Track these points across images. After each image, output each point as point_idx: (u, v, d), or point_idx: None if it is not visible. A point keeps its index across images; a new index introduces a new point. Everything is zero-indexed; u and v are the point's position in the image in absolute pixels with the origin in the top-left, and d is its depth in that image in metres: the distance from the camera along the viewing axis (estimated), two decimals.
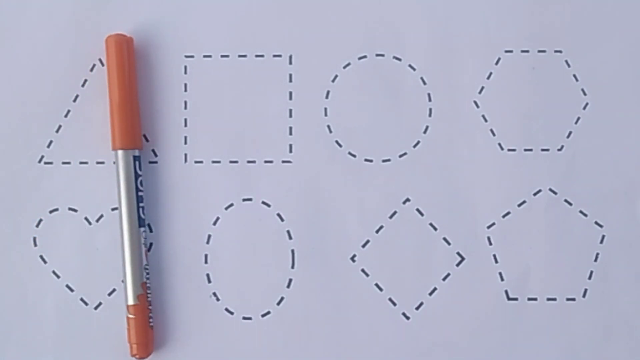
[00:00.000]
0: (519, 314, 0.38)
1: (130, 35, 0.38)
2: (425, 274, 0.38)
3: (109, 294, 0.38)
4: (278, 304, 0.38)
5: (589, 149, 0.38)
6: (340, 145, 0.39)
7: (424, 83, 0.39)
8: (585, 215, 0.38)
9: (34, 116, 0.39)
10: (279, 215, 0.38)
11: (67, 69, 0.39)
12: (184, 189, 0.38)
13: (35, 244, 0.38)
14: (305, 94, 0.39)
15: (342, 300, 0.38)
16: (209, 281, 0.38)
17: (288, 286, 0.38)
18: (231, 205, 0.38)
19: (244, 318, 0.38)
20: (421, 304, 0.38)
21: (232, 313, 0.38)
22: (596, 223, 0.38)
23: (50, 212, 0.38)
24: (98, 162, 0.39)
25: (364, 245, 0.38)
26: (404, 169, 0.38)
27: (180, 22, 0.39)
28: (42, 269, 0.38)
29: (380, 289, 0.38)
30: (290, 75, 0.39)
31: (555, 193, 0.38)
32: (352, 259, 0.38)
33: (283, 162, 0.39)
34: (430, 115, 0.39)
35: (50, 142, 0.39)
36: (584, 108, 0.39)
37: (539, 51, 0.39)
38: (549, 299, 0.38)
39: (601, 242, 0.38)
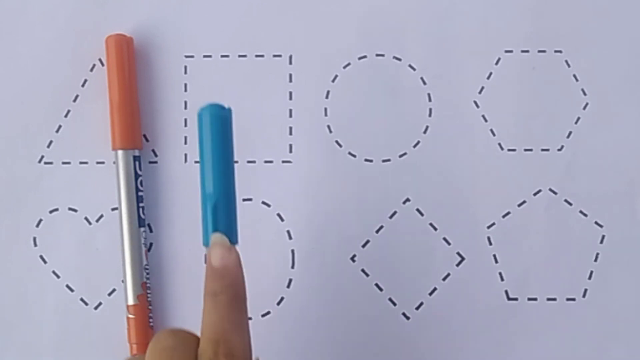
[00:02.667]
0: (519, 314, 0.38)
1: (130, 35, 0.38)
2: (425, 274, 0.38)
3: (109, 294, 0.38)
4: (278, 304, 0.38)
5: (589, 149, 0.38)
6: (340, 145, 0.39)
7: (424, 83, 0.39)
8: (585, 215, 0.38)
9: (34, 116, 0.39)
10: (279, 215, 0.38)
11: (67, 69, 0.39)
12: (184, 189, 0.38)
13: (35, 244, 0.38)
14: (305, 94, 0.39)
15: (342, 301, 0.38)
16: None
17: (288, 286, 0.38)
18: None
19: None
20: (421, 304, 0.38)
21: None
22: (596, 223, 0.38)
23: (50, 212, 0.38)
24: (98, 162, 0.39)
25: (364, 245, 0.38)
26: (404, 169, 0.38)
27: (180, 22, 0.39)
28: (42, 269, 0.38)
29: (380, 289, 0.38)
30: (290, 75, 0.39)
31: (555, 193, 0.38)
32: (352, 259, 0.38)
33: (283, 162, 0.39)
34: (430, 115, 0.39)
35: (50, 142, 0.39)
36: (584, 108, 0.39)
37: (539, 51, 0.39)
38: (549, 299, 0.38)
39: (601, 242, 0.38)
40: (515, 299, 0.38)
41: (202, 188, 0.31)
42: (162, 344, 0.29)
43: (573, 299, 0.38)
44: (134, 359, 0.32)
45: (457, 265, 0.38)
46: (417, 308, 0.38)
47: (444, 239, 0.38)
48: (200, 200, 0.31)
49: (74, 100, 0.39)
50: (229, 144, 0.32)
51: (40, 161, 0.39)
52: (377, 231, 0.38)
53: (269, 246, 0.38)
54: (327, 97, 0.39)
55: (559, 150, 0.38)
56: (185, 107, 0.39)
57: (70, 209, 0.38)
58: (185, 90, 0.39)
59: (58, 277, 0.38)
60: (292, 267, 0.38)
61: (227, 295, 0.30)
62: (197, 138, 0.31)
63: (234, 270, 0.31)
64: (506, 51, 0.39)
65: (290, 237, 0.38)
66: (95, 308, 0.38)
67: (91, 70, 0.39)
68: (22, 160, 0.39)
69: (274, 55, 0.39)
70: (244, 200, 0.38)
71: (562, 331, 0.38)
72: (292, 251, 0.38)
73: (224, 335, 0.29)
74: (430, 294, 0.38)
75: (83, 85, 0.39)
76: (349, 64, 0.39)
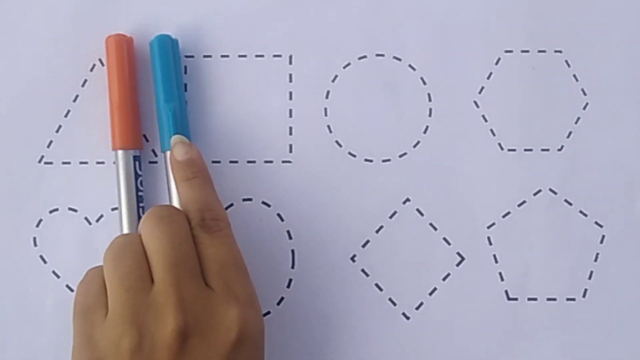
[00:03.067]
0: (519, 314, 0.38)
1: (130, 35, 0.38)
2: (425, 274, 0.38)
3: None
4: (278, 304, 0.38)
5: (589, 149, 0.38)
6: (340, 145, 0.39)
7: (424, 83, 0.39)
8: (585, 215, 0.38)
9: (34, 116, 0.39)
10: (279, 215, 0.38)
11: (67, 69, 0.39)
12: None
13: (35, 244, 0.38)
14: (305, 94, 0.39)
15: (342, 300, 0.38)
16: None
17: (288, 286, 0.38)
18: (231, 205, 0.38)
19: None
20: (421, 304, 0.38)
21: None
22: (596, 223, 0.38)
23: (50, 212, 0.38)
24: (98, 162, 0.39)
25: (364, 245, 0.38)
26: (404, 169, 0.38)
27: (180, 22, 0.39)
28: (42, 269, 0.38)
29: (380, 289, 0.38)
30: (290, 75, 0.39)
31: (555, 193, 0.38)
32: (352, 259, 0.38)
33: (283, 162, 0.39)
34: (430, 115, 0.39)
35: (50, 142, 0.39)
36: (584, 108, 0.39)
37: (539, 51, 0.39)
38: (549, 299, 0.38)
39: (601, 242, 0.38)
40: (515, 299, 0.38)
41: (158, 103, 0.37)
42: (158, 214, 0.33)
43: (573, 299, 0.38)
44: (127, 236, 0.34)
45: (457, 265, 0.38)
46: (417, 308, 0.38)
47: (444, 239, 0.38)
48: (157, 115, 0.37)
49: (74, 100, 0.39)
50: (178, 65, 0.38)
51: (40, 161, 0.39)
52: (377, 231, 0.38)
53: (269, 246, 0.38)
54: (327, 97, 0.39)
55: (559, 150, 0.38)
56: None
57: (70, 209, 0.38)
58: (185, 90, 0.39)
59: (58, 277, 0.38)
60: (292, 267, 0.38)
61: (200, 178, 0.35)
62: (152, 67, 0.37)
63: (199, 161, 0.36)
64: (506, 51, 0.39)
65: (290, 237, 0.38)
66: None
67: (91, 70, 0.39)
68: (22, 160, 0.39)
69: (274, 55, 0.39)
70: (244, 200, 0.38)
71: (562, 331, 0.38)
72: (292, 251, 0.38)
73: (207, 205, 0.34)
74: (430, 294, 0.38)
75: (83, 85, 0.39)
76: (349, 64, 0.39)
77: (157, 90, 0.37)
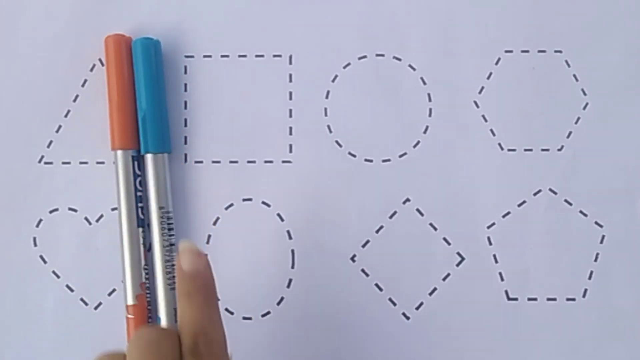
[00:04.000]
0: (519, 314, 0.38)
1: (130, 35, 0.38)
2: (425, 274, 0.38)
3: (109, 294, 0.38)
4: (278, 304, 0.38)
5: (589, 149, 0.38)
6: (340, 145, 0.39)
7: (424, 83, 0.39)
8: (585, 215, 0.38)
9: (34, 116, 0.39)
10: (279, 215, 0.38)
11: (67, 69, 0.39)
12: (184, 189, 0.38)
13: (35, 244, 0.38)
14: (305, 94, 0.39)
15: (342, 300, 0.38)
16: None
17: (288, 286, 0.38)
18: (231, 205, 0.38)
19: (244, 318, 0.38)
20: (421, 304, 0.38)
21: (232, 313, 0.38)
22: (596, 223, 0.38)
23: (50, 212, 0.38)
24: (98, 162, 0.39)
25: (364, 245, 0.38)
26: (404, 169, 0.38)
27: (180, 22, 0.39)
28: (42, 269, 0.38)
29: (380, 289, 0.38)
30: (290, 75, 0.39)
31: (555, 193, 0.38)
32: (352, 259, 0.38)
33: (283, 162, 0.39)
34: (430, 115, 0.39)
35: (50, 142, 0.39)
36: (584, 108, 0.39)
37: (539, 51, 0.39)
38: (549, 299, 0.38)
39: (601, 242, 0.38)
40: (515, 299, 0.38)
41: (139, 105, 0.37)
42: (146, 338, 0.31)
43: (573, 299, 0.38)
44: (112, 356, 0.32)
45: (457, 265, 0.38)
46: (417, 308, 0.38)
47: (444, 239, 0.38)
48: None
49: (74, 100, 0.39)
50: (159, 67, 0.38)
51: (40, 161, 0.39)
52: (377, 231, 0.38)
53: (269, 246, 0.38)
54: (327, 97, 0.39)
55: (559, 150, 0.38)
56: (185, 107, 0.39)
57: (70, 209, 0.38)
58: (185, 90, 0.39)
59: (58, 277, 0.38)
60: (292, 267, 0.38)
61: (201, 295, 0.32)
62: (135, 68, 0.37)
63: (205, 273, 0.33)
64: (506, 51, 0.39)
65: (290, 237, 0.38)
66: (95, 308, 0.38)
67: (91, 70, 0.39)
68: (22, 160, 0.39)
69: (274, 55, 0.39)
70: (244, 200, 0.38)
71: (562, 331, 0.38)
72: (292, 251, 0.38)
73: (202, 329, 0.32)
74: (430, 294, 0.38)
75: (83, 85, 0.39)
76: (349, 64, 0.39)
77: (138, 92, 0.37)
